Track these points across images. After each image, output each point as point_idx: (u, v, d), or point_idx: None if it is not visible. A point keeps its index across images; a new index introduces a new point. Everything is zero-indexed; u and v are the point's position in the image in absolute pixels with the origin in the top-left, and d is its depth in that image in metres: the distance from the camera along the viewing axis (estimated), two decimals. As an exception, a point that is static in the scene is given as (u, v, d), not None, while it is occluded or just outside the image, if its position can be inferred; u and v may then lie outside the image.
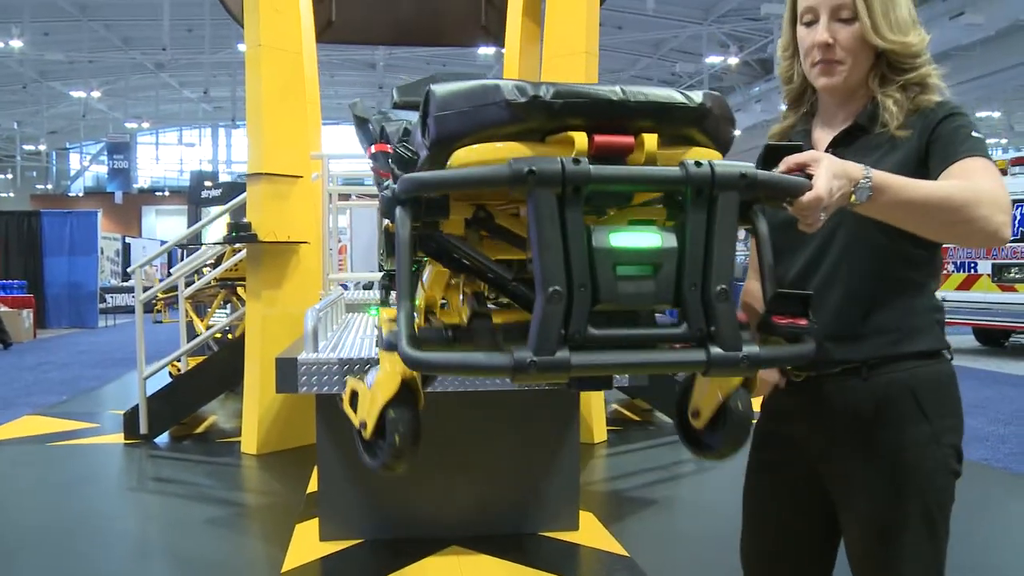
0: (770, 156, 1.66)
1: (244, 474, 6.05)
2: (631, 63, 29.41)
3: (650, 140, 1.61)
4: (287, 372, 3.60)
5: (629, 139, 1.60)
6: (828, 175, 1.53)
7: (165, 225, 39.71)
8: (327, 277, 6.76)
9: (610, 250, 1.51)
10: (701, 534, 4.66)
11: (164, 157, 43.51)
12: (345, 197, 8.48)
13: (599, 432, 6.68)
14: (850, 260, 1.87)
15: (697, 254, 1.55)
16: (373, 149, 2.28)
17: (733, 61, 26.21)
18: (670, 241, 1.55)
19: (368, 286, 8.55)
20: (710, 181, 1.53)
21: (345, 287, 8.13)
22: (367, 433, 1.88)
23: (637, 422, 7.56)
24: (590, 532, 4.53)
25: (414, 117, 2.15)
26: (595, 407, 6.66)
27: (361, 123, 2.77)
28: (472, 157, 1.58)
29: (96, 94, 30.39)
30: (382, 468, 1.86)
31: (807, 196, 1.52)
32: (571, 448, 4.50)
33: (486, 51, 26.38)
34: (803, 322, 1.64)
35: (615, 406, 8.11)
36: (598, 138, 1.57)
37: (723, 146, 1.73)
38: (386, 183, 2.00)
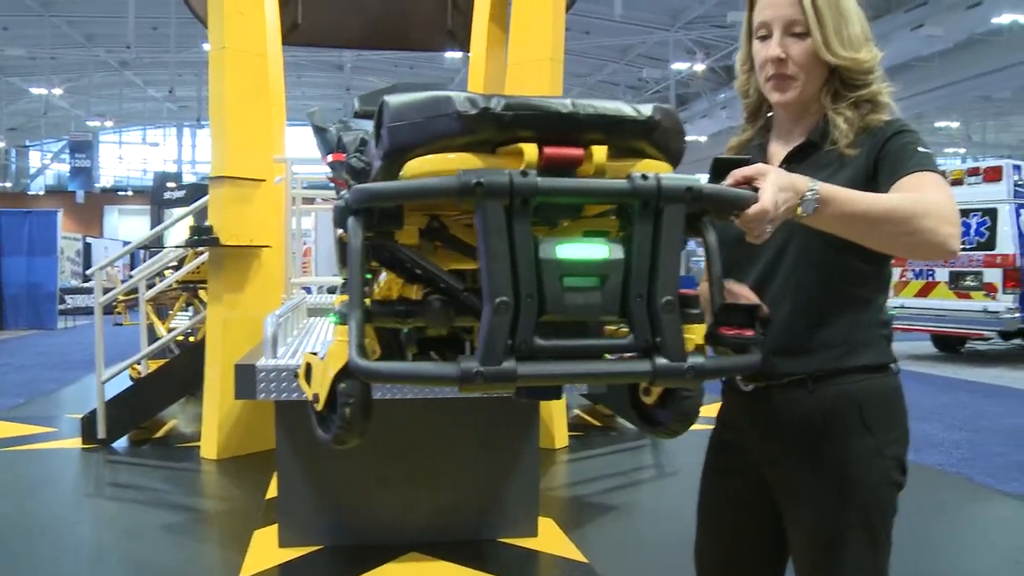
0: (719, 169, 1.69)
1: (203, 479, 6.01)
2: (598, 68, 29.56)
3: (599, 152, 1.63)
4: (246, 378, 3.59)
5: (578, 151, 1.62)
6: (774, 188, 1.55)
7: (128, 225, 39.31)
8: (289, 281, 6.74)
9: (557, 261, 1.53)
10: (660, 540, 4.70)
11: (128, 156, 43.04)
12: (310, 200, 8.45)
13: (560, 438, 6.70)
14: (799, 274, 1.89)
15: (643, 266, 1.58)
16: (330, 158, 2.30)
17: (699, 68, 26.41)
18: (617, 253, 1.58)
19: (333, 289, 8.53)
20: (656, 194, 1.56)
21: (308, 290, 8.11)
22: (319, 406, 1.87)
23: (599, 427, 7.60)
24: (549, 538, 4.55)
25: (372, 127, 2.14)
26: (556, 413, 6.68)
27: (319, 132, 2.78)
28: (425, 168, 1.60)
29: (58, 91, 30.05)
30: (334, 441, 1.85)
31: (753, 209, 1.55)
32: (531, 454, 4.52)
33: (453, 55, 26.41)
34: (750, 333, 1.67)
35: (577, 411, 8.14)
36: (548, 150, 1.60)
37: (673, 158, 1.76)
38: (343, 192, 1.99)
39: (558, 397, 1.77)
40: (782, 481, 1.95)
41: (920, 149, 1.79)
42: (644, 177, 1.57)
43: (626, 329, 1.64)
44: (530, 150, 1.59)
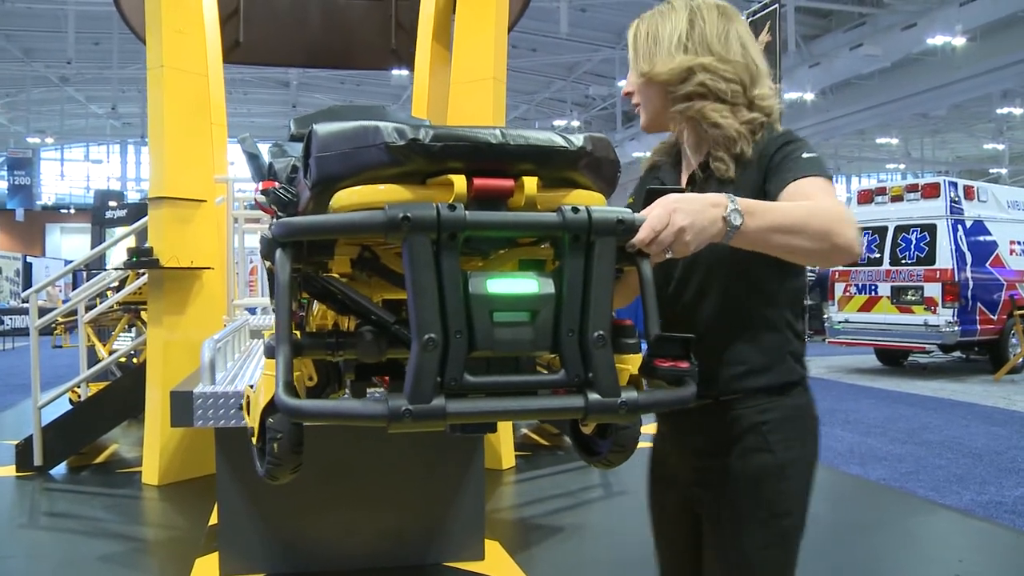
0: (650, 198, 1.65)
1: (144, 506, 5.89)
2: (545, 85, 29.73)
3: (530, 183, 1.62)
4: (182, 406, 3.52)
5: (509, 182, 1.61)
6: (660, 209, 1.57)
7: (71, 243, 38.55)
8: (232, 303, 6.64)
9: (487, 296, 1.51)
10: (608, 560, 4.71)
11: (70, 173, 42.29)
12: (255, 219, 8.35)
13: (507, 458, 6.68)
14: (702, 297, 1.94)
15: (574, 300, 1.56)
16: (261, 186, 2.22)
17: (644, 85, 26.58)
18: (547, 287, 1.55)
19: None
20: (587, 227, 1.54)
21: (252, 311, 7.99)
22: (254, 439, 1.84)
23: (546, 447, 7.59)
24: (495, 562, 4.51)
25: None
26: (503, 433, 6.66)
27: (251, 158, 2.73)
28: (353, 199, 1.57)
29: (-5, 107, 29.48)
30: (266, 476, 1.81)
31: (640, 233, 1.56)
32: (476, 476, 4.50)
33: (400, 72, 26.34)
34: (684, 365, 1.64)
35: (525, 431, 8.13)
36: (477, 181, 1.58)
37: (606, 188, 1.76)
38: (272, 221, 1.94)
39: (493, 431, 1.73)
40: (697, 499, 2.00)
41: (805, 155, 1.82)
42: (575, 210, 1.54)
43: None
44: (459, 181, 1.57)
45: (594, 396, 1.56)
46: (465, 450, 4.46)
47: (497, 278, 1.55)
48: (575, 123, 33.04)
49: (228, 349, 4.52)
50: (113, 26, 22.50)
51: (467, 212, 1.50)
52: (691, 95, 1.92)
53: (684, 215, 1.56)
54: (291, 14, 9.04)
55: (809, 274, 14.33)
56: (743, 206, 1.61)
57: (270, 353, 1.66)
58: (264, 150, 2.81)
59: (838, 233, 1.63)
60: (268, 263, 1.73)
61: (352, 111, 3.26)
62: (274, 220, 1.94)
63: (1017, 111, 27.87)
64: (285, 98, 33.65)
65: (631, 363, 1.70)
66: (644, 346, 1.68)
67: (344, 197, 1.59)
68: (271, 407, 1.71)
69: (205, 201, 6.42)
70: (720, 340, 1.91)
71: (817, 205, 1.68)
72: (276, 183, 2.11)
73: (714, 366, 1.89)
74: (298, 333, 1.80)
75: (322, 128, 1.61)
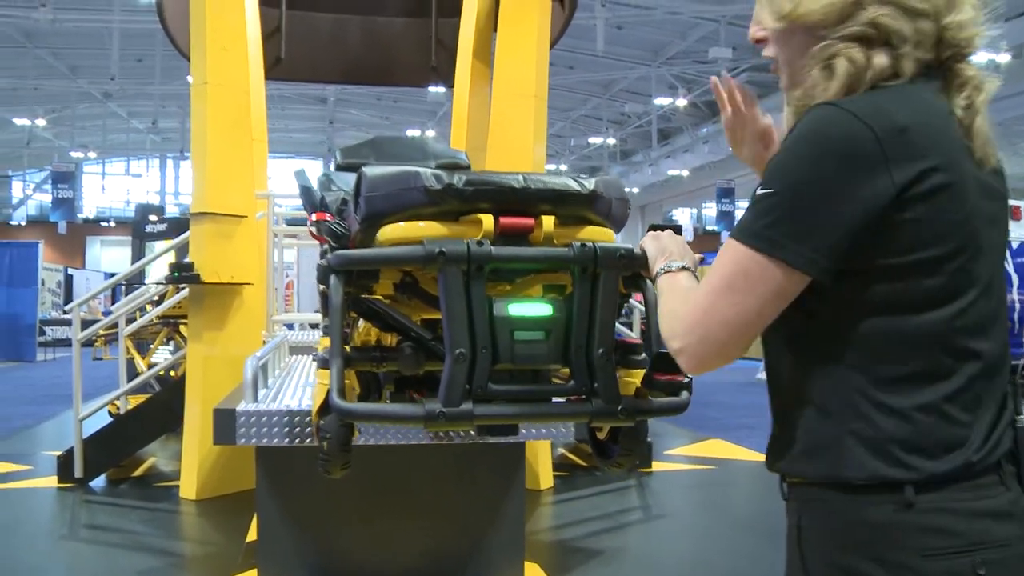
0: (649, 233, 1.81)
1: (182, 521, 5.90)
2: (581, 103, 29.68)
3: (548, 221, 1.91)
4: (225, 423, 3.50)
5: (530, 221, 1.89)
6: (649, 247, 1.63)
7: (110, 255, 39.05)
8: (271, 319, 6.66)
9: (508, 318, 1.79)
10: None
11: (110, 187, 42.84)
12: (293, 234, 8.39)
13: (545, 479, 6.61)
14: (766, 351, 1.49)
15: (582, 322, 1.83)
16: (314, 217, 2.55)
17: (681, 103, 26.54)
18: (560, 311, 1.84)
19: (316, 325, 8.45)
20: (593, 260, 1.82)
21: (290, 327, 8.01)
22: (315, 439, 2.15)
23: (584, 467, 7.50)
24: (535, 584, 4.47)
25: (353, 181, 2.63)
26: (541, 453, 6.60)
27: (305, 191, 3.03)
28: (397, 233, 1.86)
29: (41, 122, 29.88)
30: (321, 470, 2.14)
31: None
32: (517, 497, 4.44)
33: (437, 89, 26.44)
34: (680, 378, 1.88)
35: (562, 451, 8.06)
36: (503, 220, 1.87)
37: (617, 223, 2.05)
38: (323, 247, 2.42)
39: (515, 434, 2.16)
40: None
41: (760, 191, 1.30)
42: (583, 245, 1.83)
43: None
44: (487, 220, 1.87)
45: (598, 402, 1.85)
46: (506, 470, 4.41)
47: (517, 303, 1.83)
48: (611, 140, 32.99)
49: (269, 366, 4.51)
50: (156, 44, 22.78)
51: (492, 248, 1.79)
52: (853, 39, 1.31)
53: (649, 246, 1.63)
54: (332, 31, 9.09)
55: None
56: (659, 282, 1.53)
57: (323, 364, 1.96)
58: (312, 177, 3.23)
59: (666, 341, 1.39)
60: (323, 287, 2.04)
61: (395, 144, 3.70)
62: (324, 247, 2.43)
63: (1062, 130, 27.41)
64: (322, 114, 33.88)
65: (637, 377, 1.97)
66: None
67: (389, 231, 1.88)
68: (322, 411, 2.01)
69: (246, 216, 6.45)
70: (777, 405, 1.45)
71: (675, 303, 1.44)
72: (327, 215, 2.47)
73: (776, 438, 1.44)
74: (347, 347, 2.03)
75: (371, 171, 1.90)
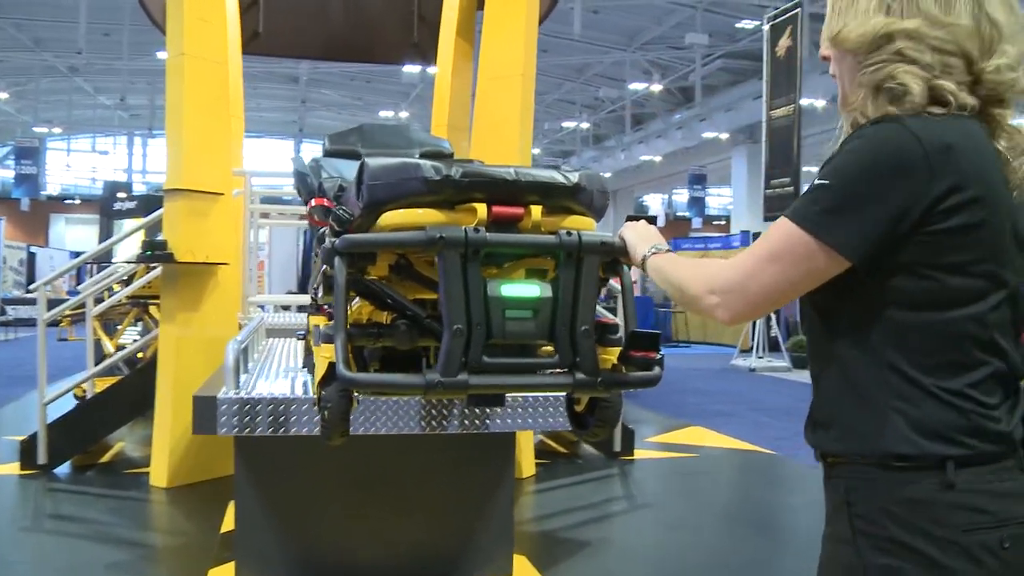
0: (626, 223, 1.99)
1: (153, 510, 5.67)
2: (555, 87, 29.47)
3: (536, 211, 2.09)
4: (205, 411, 3.29)
5: (520, 210, 2.07)
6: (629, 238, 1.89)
7: (75, 234, 38.34)
8: (247, 300, 6.44)
9: (501, 298, 1.96)
10: (637, 578, 4.50)
11: (76, 164, 42.07)
12: (265, 214, 8.15)
13: (527, 466, 6.46)
14: (807, 335, 1.66)
15: (567, 302, 2.02)
16: (313, 202, 2.74)
17: (656, 88, 26.44)
18: (547, 292, 2.02)
19: (288, 307, 8.24)
20: (578, 247, 2.01)
21: (262, 308, 7.78)
22: (318, 408, 2.35)
23: (564, 455, 7.37)
24: (524, 578, 4.31)
25: (344, 167, 3.04)
26: (524, 440, 6.43)
27: (300, 176, 3.20)
28: (398, 219, 2.03)
29: (3, 95, 29.24)
30: (321, 437, 2.35)
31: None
32: (506, 489, 4.28)
33: (411, 70, 26.17)
34: (653, 355, 2.09)
35: (542, 437, 7.90)
36: (495, 208, 2.04)
37: (597, 212, 2.25)
38: (321, 231, 2.60)
39: (501, 404, 2.28)
40: None
41: (818, 182, 1.47)
42: (568, 233, 2.02)
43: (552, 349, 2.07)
44: (481, 209, 2.03)
45: (580, 375, 2.03)
46: (496, 461, 4.25)
47: (509, 283, 2.00)
48: (584, 125, 32.84)
49: (248, 350, 4.30)
50: (124, 17, 22.33)
51: (488, 234, 1.96)
52: (885, 65, 1.49)
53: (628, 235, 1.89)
54: (312, 6, 8.84)
55: None
56: (651, 261, 1.75)
57: (326, 339, 2.18)
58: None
59: (698, 297, 1.58)
60: (327, 267, 2.17)
61: (381, 131, 3.91)
62: (322, 230, 2.58)
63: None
64: (294, 94, 33.42)
65: (613, 354, 2.15)
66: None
67: (390, 217, 2.04)
68: (324, 381, 2.25)
69: (223, 194, 6.21)
70: (819, 384, 1.59)
71: (705, 267, 1.60)
72: (325, 200, 2.70)
73: (818, 416, 1.59)
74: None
75: (373, 162, 2.06)
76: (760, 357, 15.24)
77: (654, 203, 44.69)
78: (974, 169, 1.40)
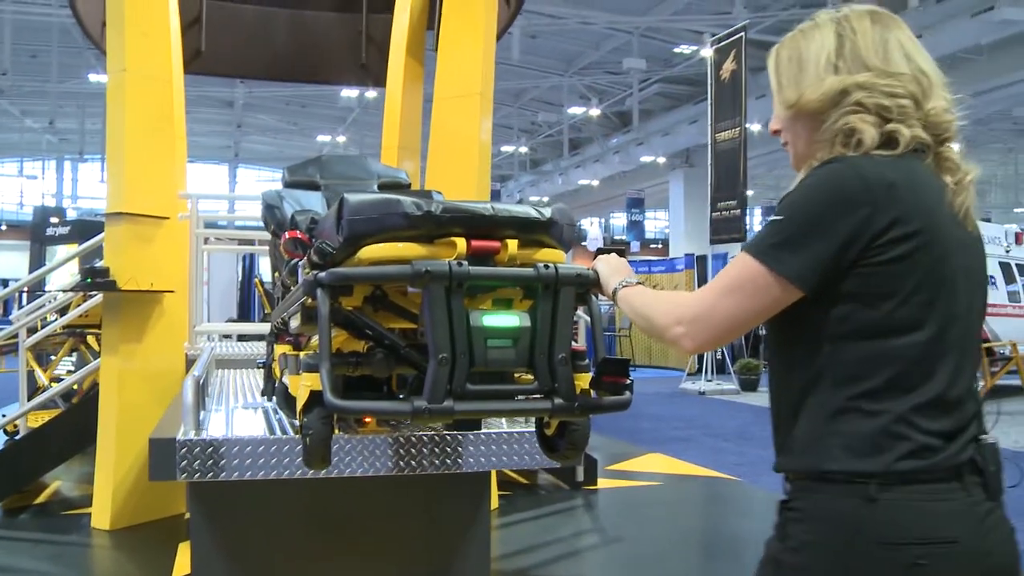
0: (597, 256, 2.08)
1: (96, 556, 5.28)
2: (493, 111, 29.35)
3: (512, 244, 2.20)
4: (162, 456, 2.99)
5: (496, 244, 2.17)
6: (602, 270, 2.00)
7: (3, 261, 37.08)
8: (194, 329, 6.12)
9: (483, 328, 2.05)
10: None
11: (2, 189, 40.84)
12: (205, 238, 7.82)
13: (492, 499, 6.21)
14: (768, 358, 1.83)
15: (545, 331, 2.12)
16: (287, 235, 2.76)
17: (594, 113, 26.51)
18: (526, 321, 2.11)
19: (232, 336, 7.91)
20: (555, 279, 2.12)
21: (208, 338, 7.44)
22: (299, 434, 2.43)
23: (525, 485, 7.13)
24: (501, 623, 4.07)
25: (305, 199, 3.31)
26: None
27: (269, 209, 3.27)
28: (379, 253, 2.12)
29: (-75, 119, 28.28)
30: (304, 463, 2.38)
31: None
32: (482, 532, 4.02)
33: (349, 93, 25.88)
34: (624, 380, 2.20)
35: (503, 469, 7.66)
36: (474, 242, 2.14)
37: (566, 245, 2.38)
38: (294, 262, 2.74)
39: (478, 428, 2.59)
40: None
41: (773, 218, 1.61)
42: (546, 266, 2.13)
43: (530, 376, 2.16)
44: (460, 242, 2.14)
45: (558, 400, 2.13)
46: (471, 501, 4.00)
47: (490, 314, 2.09)
48: (522, 149, 32.79)
49: (204, 384, 4.00)
50: (52, 38, 21.72)
51: (470, 267, 2.04)
52: (845, 116, 1.62)
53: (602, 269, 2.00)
54: (256, 24, 8.58)
55: None
56: (620, 295, 1.86)
57: (308, 368, 2.24)
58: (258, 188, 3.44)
59: (665, 328, 1.68)
60: (308, 299, 2.21)
61: (339, 163, 3.97)
62: (294, 262, 2.75)
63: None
64: (229, 118, 32.87)
65: (582, 380, 2.25)
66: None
67: (371, 251, 2.13)
68: (305, 408, 2.26)
69: (168, 218, 5.89)
70: (775, 409, 1.71)
71: (667, 299, 1.74)
72: (299, 232, 2.71)
73: (777, 439, 1.71)
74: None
75: (353, 197, 2.16)
76: (709, 380, 15.17)
77: (592, 228, 44.90)
78: (916, 204, 1.52)
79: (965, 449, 1.52)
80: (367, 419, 3.16)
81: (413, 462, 3.25)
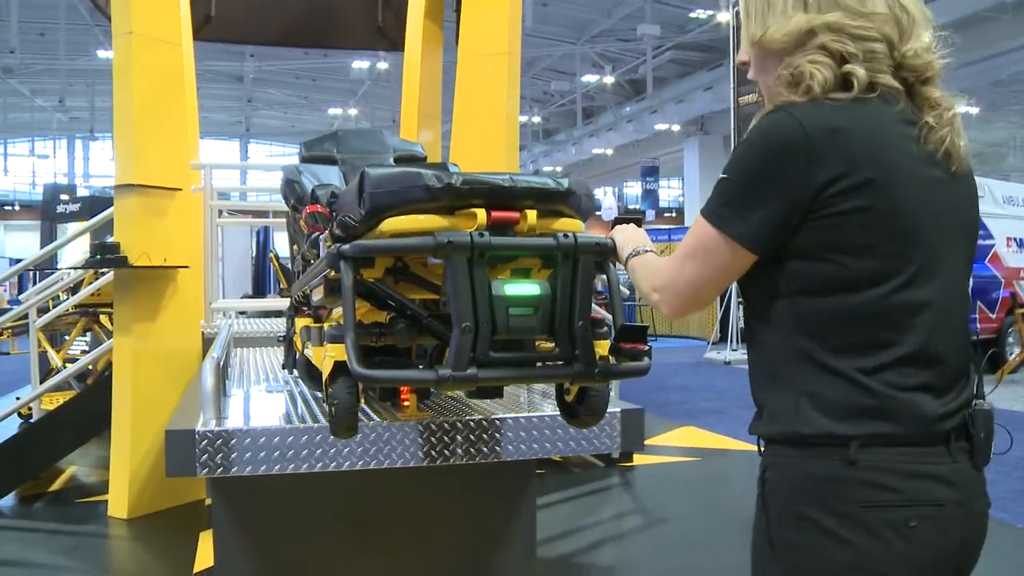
0: (614, 225, 2.05)
1: (112, 547, 5.00)
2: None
3: (531, 215, 2.23)
4: (181, 448, 2.68)
5: (516, 214, 2.21)
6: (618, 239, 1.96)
7: (16, 242, 37.00)
8: (210, 306, 5.84)
9: (504, 297, 2.08)
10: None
11: (14, 169, 40.67)
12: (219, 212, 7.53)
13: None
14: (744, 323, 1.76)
15: (565, 299, 2.15)
16: (308, 209, 2.77)
17: (607, 81, 26.11)
18: (547, 290, 2.15)
19: (247, 312, 7.64)
20: (575, 248, 2.14)
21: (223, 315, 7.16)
22: (326, 403, 2.42)
23: (557, 463, 6.83)
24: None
25: (323, 173, 3.37)
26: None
27: (290, 184, 3.26)
28: (401, 225, 2.15)
29: (-65, 100, 28.07)
30: (331, 432, 2.42)
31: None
32: (527, 524, 3.73)
33: (360, 64, 25.55)
34: (642, 346, 2.19)
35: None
36: (494, 213, 2.17)
37: (583, 215, 2.40)
38: (315, 235, 2.70)
39: (500, 396, 2.50)
40: None
41: (720, 176, 1.55)
42: (566, 236, 2.16)
43: (550, 344, 2.20)
44: (481, 213, 2.16)
45: (578, 366, 2.16)
46: (514, 487, 3.69)
47: (511, 283, 2.12)
48: (535, 119, 32.36)
49: (223, 366, 3.70)
50: (60, 15, 21.43)
51: (492, 237, 2.07)
52: (809, 61, 1.53)
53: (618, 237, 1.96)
54: (269, -13, 8.24)
55: None
56: (631, 263, 1.81)
57: (332, 339, 2.26)
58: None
59: (647, 295, 1.68)
60: (331, 272, 2.27)
61: (356, 137, 3.96)
62: (315, 235, 2.71)
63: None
64: (239, 93, 32.55)
65: (603, 346, 2.25)
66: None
67: (393, 223, 2.15)
68: (331, 378, 2.30)
69: (180, 190, 5.58)
70: (752, 368, 1.65)
71: (650, 266, 1.74)
72: (319, 206, 2.75)
73: (754, 397, 1.65)
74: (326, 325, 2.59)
75: (374, 171, 2.18)
76: (735, 350, 14.85)
77: (608, 198, 44.49)
78: (867, 150, 1.43)
79: (954, 415, 1.48)
80: (405, 402, 3.02)
81: (447, 451, 2.95)
